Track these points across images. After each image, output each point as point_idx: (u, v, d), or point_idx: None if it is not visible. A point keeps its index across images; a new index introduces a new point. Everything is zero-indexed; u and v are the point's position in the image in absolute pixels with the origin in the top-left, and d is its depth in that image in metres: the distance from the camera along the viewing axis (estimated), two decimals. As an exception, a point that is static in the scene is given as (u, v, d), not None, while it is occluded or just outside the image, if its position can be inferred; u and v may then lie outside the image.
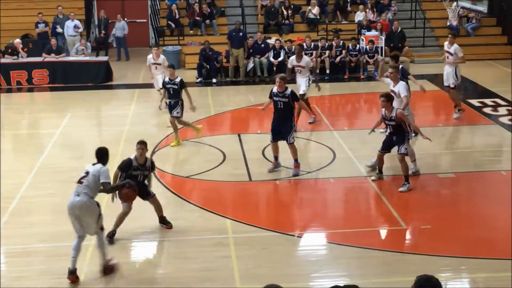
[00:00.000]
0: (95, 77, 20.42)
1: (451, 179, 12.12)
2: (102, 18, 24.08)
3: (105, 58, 21.40)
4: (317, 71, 20.23)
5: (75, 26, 22.46)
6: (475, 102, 17.50)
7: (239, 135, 14.77)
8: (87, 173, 8.39)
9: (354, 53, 20.96)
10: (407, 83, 13.29)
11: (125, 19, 24.71)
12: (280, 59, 20.59)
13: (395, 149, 11.66)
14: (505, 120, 15.78)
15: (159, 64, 17.20)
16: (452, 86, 15.71)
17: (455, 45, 15.65)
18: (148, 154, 13.24)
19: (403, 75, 13.90)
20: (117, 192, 9.14)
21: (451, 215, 10.69)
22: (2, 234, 9.99)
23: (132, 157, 9.55)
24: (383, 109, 11.44)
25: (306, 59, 15.09)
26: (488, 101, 17.51)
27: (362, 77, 20.82)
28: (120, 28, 23.81)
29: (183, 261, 9.16)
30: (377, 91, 18.62)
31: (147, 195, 9.83)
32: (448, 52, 15.74)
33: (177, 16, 23.22)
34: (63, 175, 12.17)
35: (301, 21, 23.79)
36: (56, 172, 12.61)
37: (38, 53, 20.89)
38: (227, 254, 9.30)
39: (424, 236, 9.97)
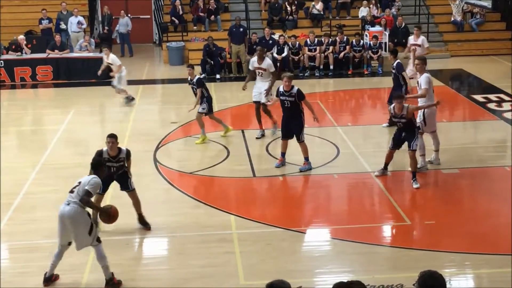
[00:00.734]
0: (98, 73, 20.44)
1: (455, 175, 12.09)
2: (105, 14, 24.11)
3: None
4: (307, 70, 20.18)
5: (79, 22, 22.43)
6: (479, 97, 17.45)
7: (242, 131, 14.76)
8: (80, 182, 8.35)
9: (358, 48, 20.91)
10: (404, 78, 13.54)
11: (129, 15, 24.72)
12: (283, 54, 20.57)
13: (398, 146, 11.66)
14: (509, 115, 15.70)
15: (111, 64, 17.39)
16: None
17: (422, 37, 16.88)
18: (152, 150, 13.42)
19: (398, 71, 13.89)
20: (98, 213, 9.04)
21: (455, 210, 10.67)
22: (6, 230, 10.01)
23: (104, 149, 9.75)
24: (392, 107, 11.40)
25: (268, 61, 14.21)
26: (492, 96, 17.45)
27: (366, 72, 20.77)
28: (124, 24, 23.81)
29: (187, 257, 9.17)
30: (381, 86, 18.72)
31: (125, 188, 9.89)
32: (415, 44, 16.64)
33: (181, 12, 23.22)
34: (67, 171, 12.18)
35: (304, 16, 23.74)
36: (59, 168, 12.62)
37: (41, 49, 20.85)
38: (231, 250, 9.30)
39: (428, 232, 9.96)
